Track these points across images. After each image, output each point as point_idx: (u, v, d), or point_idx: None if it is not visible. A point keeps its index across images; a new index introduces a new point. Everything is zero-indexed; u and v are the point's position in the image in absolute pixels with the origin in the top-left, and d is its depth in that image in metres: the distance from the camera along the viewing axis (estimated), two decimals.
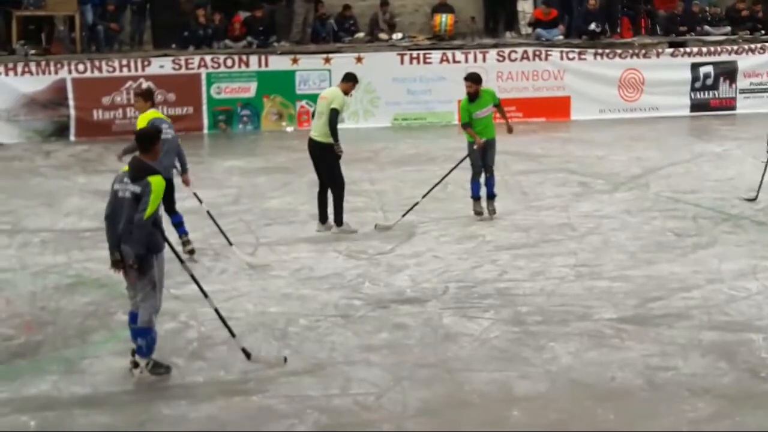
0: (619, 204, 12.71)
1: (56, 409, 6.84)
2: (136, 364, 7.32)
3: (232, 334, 7.68)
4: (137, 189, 7.06)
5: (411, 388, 7.09)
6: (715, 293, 9.10)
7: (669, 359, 7.55)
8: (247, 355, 7.56)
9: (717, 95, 20.79)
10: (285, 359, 7.56)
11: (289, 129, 19.28)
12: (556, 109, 20.19)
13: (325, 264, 10.19)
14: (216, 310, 7.70)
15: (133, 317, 7.40)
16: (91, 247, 10.62)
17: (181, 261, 7.72)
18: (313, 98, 19.37)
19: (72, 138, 18.36)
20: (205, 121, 19.13)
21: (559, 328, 8.23)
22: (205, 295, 7.68)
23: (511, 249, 10.66)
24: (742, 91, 20.84)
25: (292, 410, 6.74)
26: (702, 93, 20.75)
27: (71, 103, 18.40)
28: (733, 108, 20.80)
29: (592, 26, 20.77)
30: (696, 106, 20.71)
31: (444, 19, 20.66)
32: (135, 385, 7.22)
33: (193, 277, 7.70)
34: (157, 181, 7.09)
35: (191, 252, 10.37)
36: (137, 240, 7.03)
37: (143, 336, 7.25)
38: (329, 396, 6.97)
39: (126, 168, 7.26)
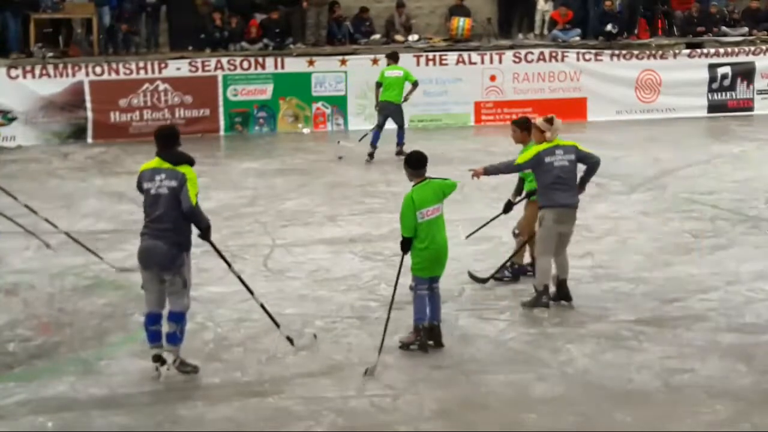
0: (636, 205, 12.67)
1: (74, 410, 6.87)
2: (163, 362, 7.34)
3: (277, 325, 7.89)
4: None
5: (427, 389, 7.09)
6: (734, 295, 9.06)
7: (687, 361, 7.52)
8: (291, 341, 7.82)
9: (734, 96, 20.72)
10: (315, 336, 8.03)
11: (306, 131, 19.32)
12: (572, 110, 20.11)
13: (341, 265, 10.19)
14: (262, 306, 7.94)
15: (151, 319, 7.43)
16: (108, 249, 10.66)
17: (228, 264, 7.89)
18: (329, 100, 19.56)
19: (89, 140, 18.44)
20: (222, 123, 19.19)
21: (576, 330, 8.21)
22: (251, 292, 7.95)
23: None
24: (760, 92, 20.76)
25: (309, 411, 6.75)
26: (719, 94, 20.68)
27: (88, 105, 18.47)
28: (751, 109, 20.73)
29: (609, 27, 20.73)
30: (713, 106, 20.64)
31: (461, 23, 20.65)
32: (152, 386, 7.24)
33: (241, 279, 7.98)
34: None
35: None
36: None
37: (178, 320, 7.34)
38: (345, 397, 6.98)
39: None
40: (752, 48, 20.79)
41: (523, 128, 9.21)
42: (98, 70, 18.50)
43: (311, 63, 19.45)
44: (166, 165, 7.36)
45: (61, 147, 17.80)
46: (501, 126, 19.60)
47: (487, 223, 10.10)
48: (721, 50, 20.67)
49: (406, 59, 19.27)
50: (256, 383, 7.28)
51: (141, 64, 18.71)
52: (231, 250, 10.75)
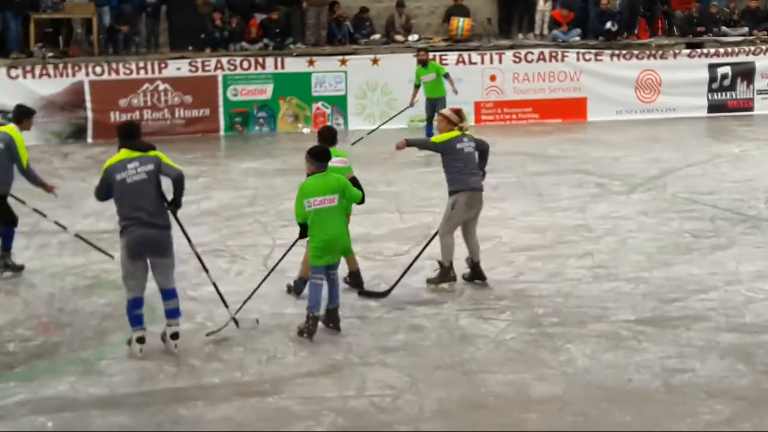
0: (636, 205, 12.67)
1: (74, 410, 6.87)
2: (175, 335, 7.76)
3: (226, 305, 8.19)
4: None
5: (427, 389, 7.09)
6: (733, 295, 9.06)
7: (686, 361, 7.52)
8: (236, 323, 8.20)
9: (734, 96, 20.73)
10: (257, 320, 8.35)
11: (306, 130, 19.31)
12: (572, 110, 20.17)
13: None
14: (214, 284, 8.24)
15: (136, 303, 7.68)
16: (109, 249, 10.64)
17: (190, 241, 8.14)
18: (329, 100, 19.58)
19: (89, 140, 18.46)
20: (222, 123, 19.21)
21: (576, 330, 8.21)
22: (206, 270, 8.25)
23: (527, 250, 10.64)
24: (760, 92, 20.77)
25: (309, 411, 6.75)
26: (719, 94, 20.69)
27: (89, 105, 18.51)
28: (751, 109, 20.75)
29: (608, 25, 20.72)
30: (713, 106, 20.65)
31: (461, 24, 20.67)
32: (152, 386, 7.25)
33: (198, 256, 8.25)
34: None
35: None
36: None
37: (175, 296, 7.82)
38: (346, 397, 6.97)
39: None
40: (752, 48, 20.80)
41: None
42: (98, 70, 18.53)
43: (311, 63, 19.47)
44: (136, 153, 7.62)
45: (61, 147, 17.81)
46: (501, 126, 19.70)
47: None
48: (721, 50, 20.68)
49: (407, 59, 19.31)
50: (256, 383, 7.28)
51: (141, 64, 18.73)
52: (231, 250, 10.78)
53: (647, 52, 20.51)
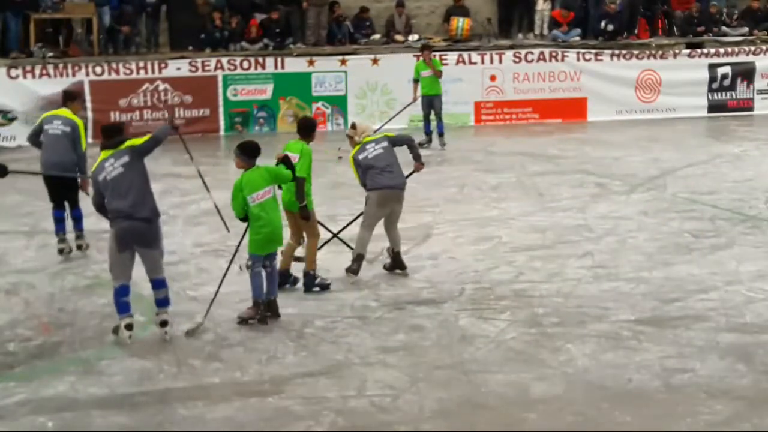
0: (636, 205, 12.67)
1: (74, 409, 6.87)
2: (164, 323, 8.03)
3: (228, 229, 8.81)
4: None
5: (427, 389, 7.09)
6: (733, 295, 9.06)
7: (686, 361, 7.52)
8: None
9: (734, 96, 20.72)
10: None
11: None
12: (572, 110, 20.17)
13: (341, 265, 10.18)
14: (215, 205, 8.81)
15: (123, 290, 7.89)
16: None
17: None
18: (329, 100, 19.58)
19: (89, 140, 18.27)
20: (222, 123, 19.21)
21: (576, 330, 8.21)
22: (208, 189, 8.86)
23: (527, 250, 10.65)
24: (760, 92, 20.76)
25: (309, 411, 6.75)
26: (719, 94, 20.68)
27: (89, 105, 18.47)
28: (751, 109, 20.73)
29: (603, 23, 20.69)
30: (713, 106, 20.64)
31: (461, 24, 20.67)
32: (152, 386, 7.25)
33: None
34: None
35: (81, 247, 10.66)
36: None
37: (165, 285, 8.09)
38: (345, 397, 6.98)
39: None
40: (752, 48, 20.79)
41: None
42: (98, 70, 18.53)
43: (311, 63, 19.47)
44: (111, 151, 7.91)
45: None
46: (501, 126, 19.70)
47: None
48: (721, 50, 20.67)
49: (407, 59, 19.32)
50: (255, 383, 7.28)
51: (141, 64, 18.73)
52: (231, 250, 10.72)
53: (647, 52, 20.50)
